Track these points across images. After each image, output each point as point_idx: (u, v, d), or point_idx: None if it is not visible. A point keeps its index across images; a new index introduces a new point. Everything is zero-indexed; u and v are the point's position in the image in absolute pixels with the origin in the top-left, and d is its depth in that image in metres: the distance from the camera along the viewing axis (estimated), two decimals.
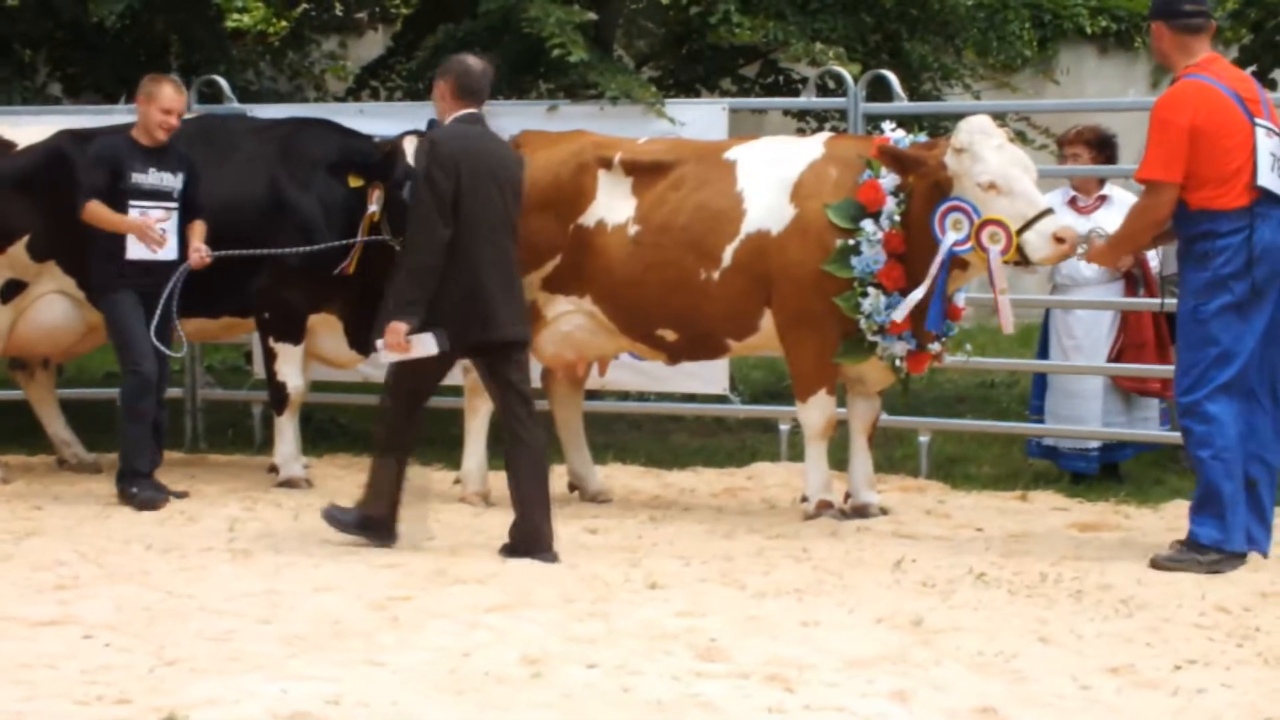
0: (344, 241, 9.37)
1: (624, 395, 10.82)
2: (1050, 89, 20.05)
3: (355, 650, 6.08)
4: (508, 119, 10.23)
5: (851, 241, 8.31)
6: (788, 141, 9.03)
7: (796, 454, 10.26)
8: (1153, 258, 9.54)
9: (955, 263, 8.15)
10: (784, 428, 10.31)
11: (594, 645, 6.15)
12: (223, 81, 11.02)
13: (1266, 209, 7.41)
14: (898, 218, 8.27)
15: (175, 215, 9.14)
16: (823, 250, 8.38)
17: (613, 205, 8.85)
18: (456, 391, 9.52)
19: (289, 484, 9.54)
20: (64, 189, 9.21)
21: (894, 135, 8.48)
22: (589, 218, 8.87)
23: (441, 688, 5.63)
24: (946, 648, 6.11)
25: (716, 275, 8.59)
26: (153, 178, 9.12)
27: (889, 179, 8.32)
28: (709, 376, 10.24)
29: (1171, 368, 9.62)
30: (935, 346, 8.53)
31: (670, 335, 8.81)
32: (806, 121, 12.90)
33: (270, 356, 9.71)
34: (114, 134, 9.38)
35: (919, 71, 12.24)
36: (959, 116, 8.98)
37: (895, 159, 8.25)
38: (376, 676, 5.75)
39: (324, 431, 11.20)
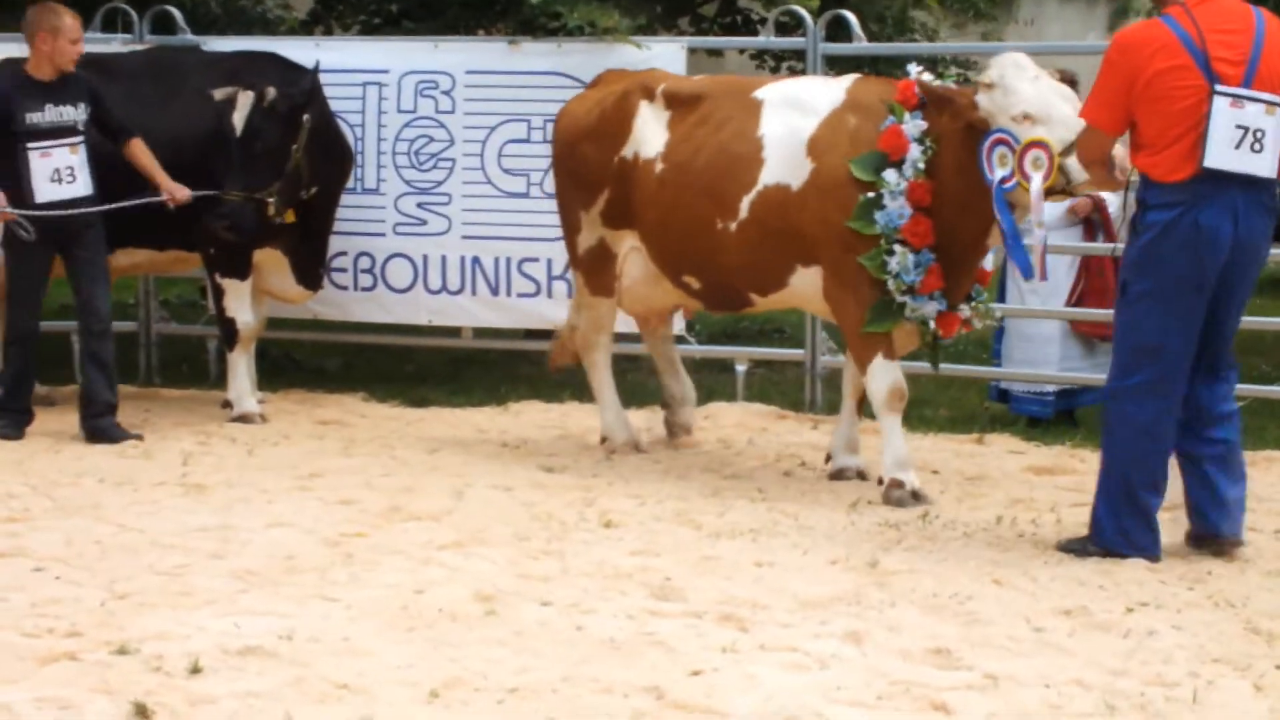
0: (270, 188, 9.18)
1: None
2: (1011, 31, 19.99)
3: (308, 586, 6.07)
4: (465, 55, 10.19)
5: (873, 195, 7.64)
6: (814, 84, 8.37)
7: (752, 395, 10.27)
8: (1112, 203, 9.55)
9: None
10: (740, 368, 10.29)
11: (548, 584, 6.14)
12: (176, 12, 10.87)
13: (1213, 190, 6.38)
14: (922, 166, 7.58)
15: (83, 148, 8.90)
16: (843, 208, 7.72)
17: (648, 138, 8.37)
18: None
19: (243, 419, 9.47)
20: None
21: (921, 77, 7.79)
22: (628, 150, 8.39)
23: (394, 624, 5.62)
24: (901, 589, 6.11)
25: (734, 226, 8.01)
26: (50, 114, 8.83)
27: (912, 124, 7.62)
28: None
29: None
30: (965, 310, 7.87)
31: (694, 283, 8.33)
32: (765, 61, 12.83)
33: (219, 292, 9.67)
34: (3, 73, 8.98)
35: (879, 16, 12.17)
36: (918, 58, 8.85)
37: (931, 96, 7.55)
38: (329, 612, 5.74)
39: (279, 367, 11.13)
